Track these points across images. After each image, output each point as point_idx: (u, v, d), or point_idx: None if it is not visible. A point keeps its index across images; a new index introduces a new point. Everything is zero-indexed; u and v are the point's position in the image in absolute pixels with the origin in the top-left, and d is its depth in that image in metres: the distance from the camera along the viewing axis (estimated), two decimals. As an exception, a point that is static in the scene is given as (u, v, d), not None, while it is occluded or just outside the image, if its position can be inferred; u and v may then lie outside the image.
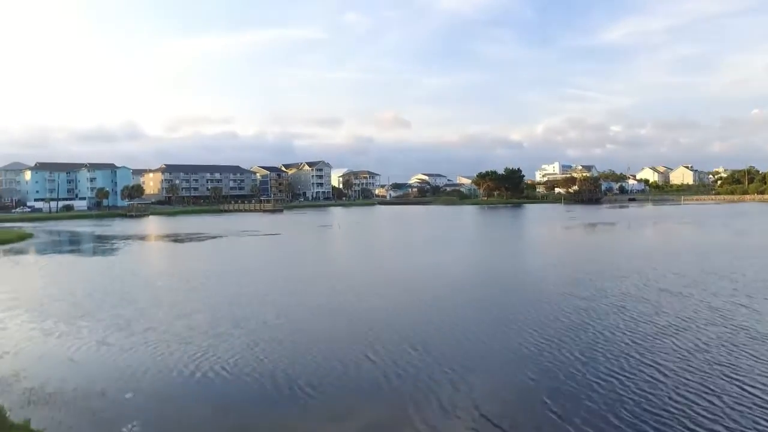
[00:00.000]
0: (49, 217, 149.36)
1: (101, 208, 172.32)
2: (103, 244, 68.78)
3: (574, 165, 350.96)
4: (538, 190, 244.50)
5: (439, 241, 64.74)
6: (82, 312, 27.83)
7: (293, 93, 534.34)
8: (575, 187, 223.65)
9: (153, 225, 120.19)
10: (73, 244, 72.86)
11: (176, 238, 76.49)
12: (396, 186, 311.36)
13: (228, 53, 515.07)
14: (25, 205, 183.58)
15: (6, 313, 28.16)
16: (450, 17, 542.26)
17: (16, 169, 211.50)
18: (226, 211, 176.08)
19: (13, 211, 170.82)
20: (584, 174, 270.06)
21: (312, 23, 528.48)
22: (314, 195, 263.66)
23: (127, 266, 46.81)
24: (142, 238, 79.16)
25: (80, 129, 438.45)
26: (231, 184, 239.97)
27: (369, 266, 45.86)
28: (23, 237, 77.22)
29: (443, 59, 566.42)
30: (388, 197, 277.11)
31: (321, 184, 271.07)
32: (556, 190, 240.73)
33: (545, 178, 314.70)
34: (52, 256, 56.40)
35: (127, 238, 77.59)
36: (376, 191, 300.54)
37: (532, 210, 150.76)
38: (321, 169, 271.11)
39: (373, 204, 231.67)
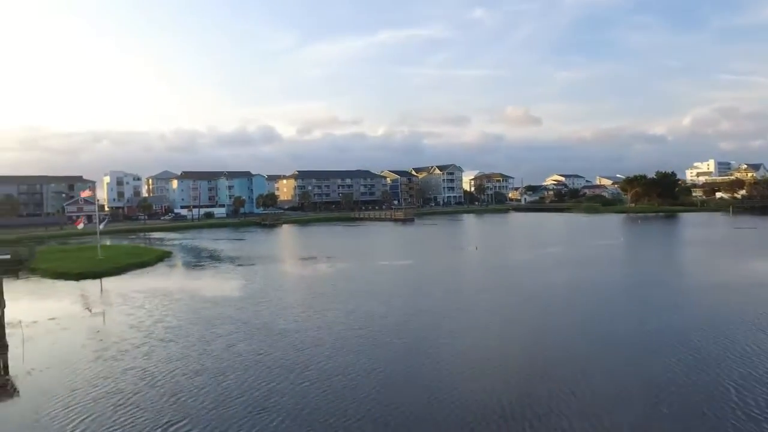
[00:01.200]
0: (191, 225, 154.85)
1: (238, 215, 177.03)
2: (234, 274, 65.73)
3: (734, 163, 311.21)
4: (694, 194, 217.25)
5: (630, 285, 49.04)
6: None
7: (420, 92, 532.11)
8: (743, 192, 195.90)
9: (285, 238, 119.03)
10: (205, 266, 70.88)
11: (308, 265, 72.23)
12: (530, 188, 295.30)
13: (356, 56, 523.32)
14: (172, 212, 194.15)
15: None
16: (585, 7, 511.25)
17: (166, 177, 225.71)
18: (357, 219, 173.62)
19: (162, 218, 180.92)
20: (751, 174, 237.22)
21: (438, 22, 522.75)
22: (445, 200, 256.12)
23: (264, 316, 41.79)
24: (276, 260, 75.63)
25: (223, 134, 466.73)
26: (361, 189, 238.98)
27: (535, 334, 36.62)
28: (161, 257, 76.82)
29: (577, 51, 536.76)
30: (522, 201, 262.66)
31: (452, 188, 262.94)
32: (717, 194, 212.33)
33: (700, 179, 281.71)
34: (183, 285, 53.50)
35: (261, 260, 74.64)
36: (509, 194, 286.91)
37: (697, 222, 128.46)
38: (452, 173, 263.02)
39: (506, 210, 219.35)
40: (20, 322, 36.35)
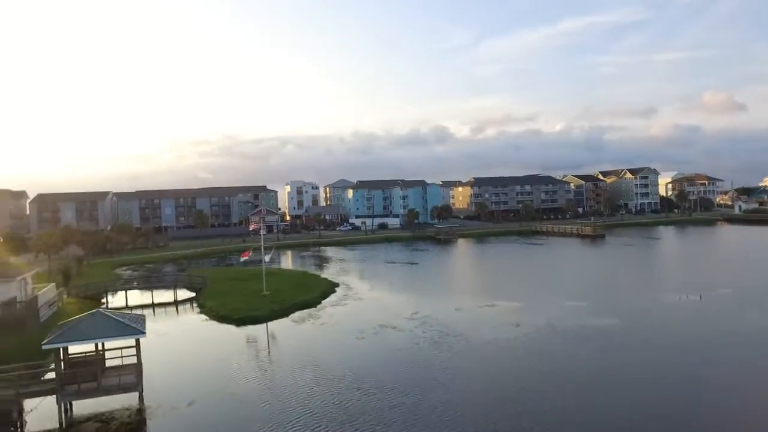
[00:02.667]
0: (364, 239, 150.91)
1: (413, 226, 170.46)
2: (406, 328, 56.44)
3: None
4: None
5: None
6: None
7: (603, 83, 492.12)
8: None
9: (461, 264, 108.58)
10: (373, 309, 62.80)
11: (490, 315, 60.73)
12: (743, 191, 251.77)
13: (535, 48, 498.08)
14: (347, 221, 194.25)
15: None
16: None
17: (342, 186, 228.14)
18: (538, 233, 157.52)
19: (338, 228, 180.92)
20: None
21: (626, 5, 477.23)
22: (637, 207, 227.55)
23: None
24: (455, 306, 65.08)
25: (398, 135, 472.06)
26: (542, 196, 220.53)
27: None
28: (327, 291, 70.33)
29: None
30: (736, 209, 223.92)
31: (646, 194, 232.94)
32: None
33: None
34: (345, 349, 45.23)
35: (436, 300, 64.87)
36: (717, 199, 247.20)
37: None
38: (646, 177, 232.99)
39: (715, 221, 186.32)
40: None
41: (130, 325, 32.75)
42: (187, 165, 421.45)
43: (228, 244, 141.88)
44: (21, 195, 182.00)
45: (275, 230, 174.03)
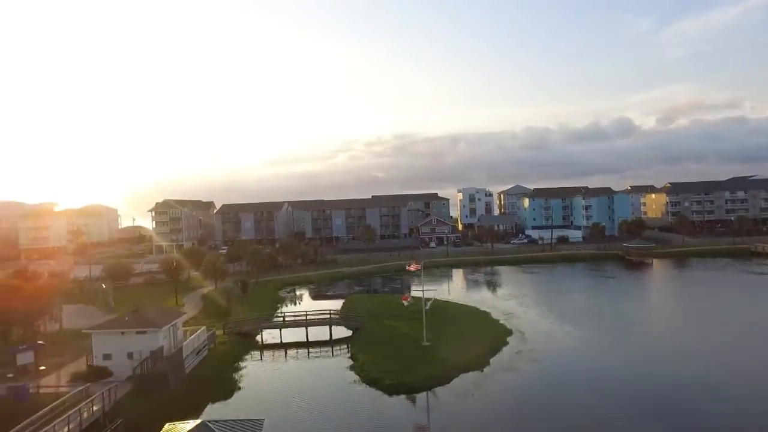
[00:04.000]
0: (541, 258, 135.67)
1: (597, 239, 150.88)
2: None
3: None
4: None
5: None
6: None
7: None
8: None
9: (664, 303, 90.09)
10: (569, 387, 50.52)
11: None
12: None
13: (726, 28, 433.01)
14: (522, 233, 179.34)
15: None
16: None
17: (517, 193, 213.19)
18: (759, 254, 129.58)
19: (512, 241, 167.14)
20: None
21: None
22: None
23: None
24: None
25: (574, 130, 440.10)
26: (762, 204, 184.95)
27: None
28: (498, 345, 58.91)
29: None
30: None
31: None
32: None
33: None
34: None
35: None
36: None
37: None
38: None
39: None
40: None
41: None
42: (361, 165, 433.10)
43: (395, 259, 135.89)
44: (209, 205, 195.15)
45: (446, 242, 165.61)
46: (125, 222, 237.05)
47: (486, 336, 61.57)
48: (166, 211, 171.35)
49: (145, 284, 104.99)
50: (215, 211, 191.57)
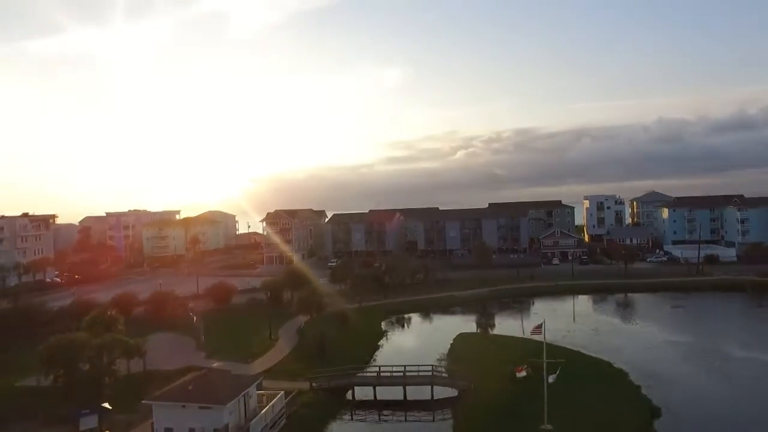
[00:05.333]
0: (687, 283, 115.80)
1: (757, 261, 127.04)
2: None
3: None
4: None
5: None
6: None
7: None
8: None
9: None
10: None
11: None
12: None
13: None
14: (660, 249, 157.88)
15: None
16: None
17: (653, 201, 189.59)
18: None
19: (648, 259, 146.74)
20: None
21: None
22: None
23: None
24: None
25: (715, 120, 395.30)
26: None
27: None
28: None
29: None
30: None
31: None
32: None
33: None
34: None
35: None
36: None
37: None
38: None
39: None
40: None
41: None
42: (480, 162, 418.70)
43: (513, 280, 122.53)
44: (320, 214, 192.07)
45: (570, 257, 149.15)
46: (242, 227, 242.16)
47: (621, 417, 48.04)
48: (277, 222, 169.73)
49: (246, 306, 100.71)
50: (326, 220, 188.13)
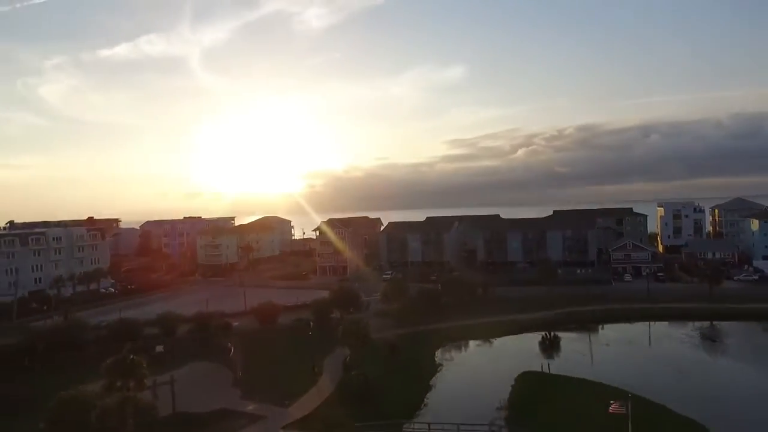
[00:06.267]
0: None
1: None
2: None
3: None
4: None
5: None
6: None
7: None
8: None
9: None
10: None
11: None
12: None
13: None
14: (749, 265, 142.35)
15: None
16: None
17: (738, 209, 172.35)
18: None
19: (736, 277, 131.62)
20: None
21: None
22: None
23: None
24: None
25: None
26: None
27: None
28: None
29: None
30: None
31: None
32: None
33: None
34: None
35: None
36: None
37: None
38: None
39: None
40: None
41: None
42: (541, 160, 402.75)
43: (582, 301, 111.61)
44: (375, 222, 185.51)
45: (644, 273, 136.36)
46: (298, 232, 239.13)
47: None
48: (330, 231, 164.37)
49: (292, 328, 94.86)
50: (382, 228, 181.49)
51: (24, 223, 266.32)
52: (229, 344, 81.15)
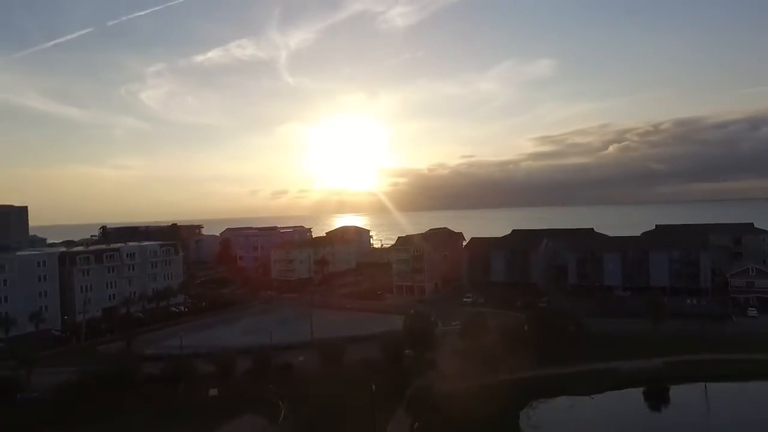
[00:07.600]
0: None
1: None
2: None
3: None
4: None
5: None
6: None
7: None
8: None
9: None
10: None
11: None
12: None
13: None
14: None
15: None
16: None
17: None
18: None
19: None
20: None
21: None
22: None
23: None
24: None
25: None
26: None
27: None
28: None
29: None
30: None
31: None
32: None
33: None
34: None
35: None
36: None
37: None
38: None
39: None
40: None
41: None
42: (634, 157, 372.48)
43: (696, 345, 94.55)
44: (458, 237, 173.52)
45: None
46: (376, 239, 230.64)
47: None
48: (407, 248, 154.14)
49: (356, 370, 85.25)
50: (464, 244, 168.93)
51: (115, 228, 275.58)
52: (281, 404, 72.42)
